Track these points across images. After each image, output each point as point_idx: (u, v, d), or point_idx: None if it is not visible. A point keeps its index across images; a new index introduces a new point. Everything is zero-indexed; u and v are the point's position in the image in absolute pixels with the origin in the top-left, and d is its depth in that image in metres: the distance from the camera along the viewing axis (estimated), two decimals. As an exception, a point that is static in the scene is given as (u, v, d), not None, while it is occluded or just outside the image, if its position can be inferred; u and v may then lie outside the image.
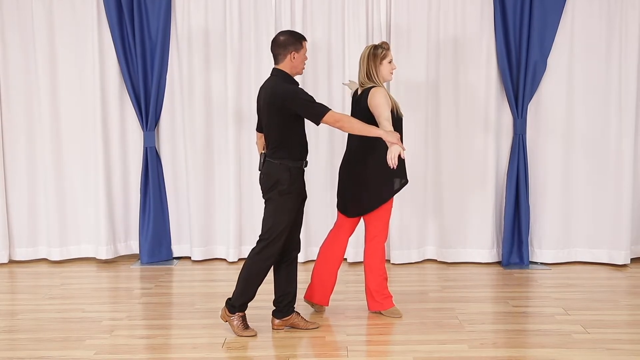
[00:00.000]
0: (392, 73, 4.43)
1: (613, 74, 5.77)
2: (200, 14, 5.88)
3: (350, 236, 4.59)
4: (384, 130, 3.99)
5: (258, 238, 4.14)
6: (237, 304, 4.15)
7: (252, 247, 4.15)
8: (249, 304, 4.20)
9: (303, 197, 4.22)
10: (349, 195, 4.45)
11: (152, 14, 5.85)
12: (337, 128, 3.99)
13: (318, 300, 4.57)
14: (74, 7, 5.91)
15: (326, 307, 4.66)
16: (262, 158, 4.17)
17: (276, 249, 4.09)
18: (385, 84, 4.49)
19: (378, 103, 4.20)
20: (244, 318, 4.19)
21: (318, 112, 3.95)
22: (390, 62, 4.39)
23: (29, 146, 6.07)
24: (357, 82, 4.65)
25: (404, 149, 3.93)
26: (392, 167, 3.90)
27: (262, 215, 4.16)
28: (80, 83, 6.01)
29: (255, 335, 4.17)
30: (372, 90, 4.28)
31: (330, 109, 3.97)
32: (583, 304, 4.81)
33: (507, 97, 5.80)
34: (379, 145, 4.25)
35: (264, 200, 4.17)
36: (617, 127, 5.81)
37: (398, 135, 3.96)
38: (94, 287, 5.37)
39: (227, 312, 4.19)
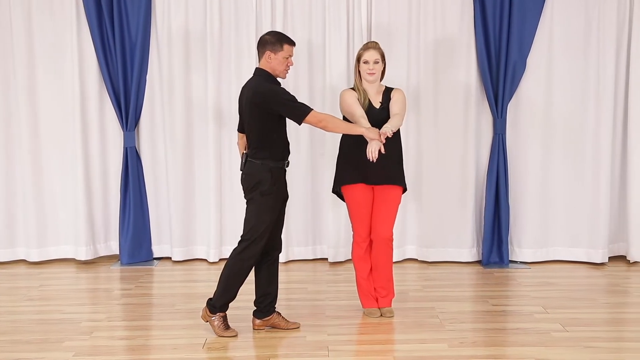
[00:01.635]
0: (369, 74, 4.39)
1: (591, 74, 5.82)
2: (181, 14, 5.86)
3: (369, 238, 4.57)
4: (366, 128, 4.07)
5: (240, 238, 4.13)
6: (218, 304, 4.14)
7: (234, 248, 4.14)
8: (229, 304, 4.19)
9: (284, 197, 4.22)
10: None
11: (131, 14, 5.82)
12: (320, 128, 4.00)
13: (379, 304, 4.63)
14: (52, 6, 5.86)
15: (382, 308, 4.61)
16: (244, 158, 4.15)
17: (258, 249, 4.08)
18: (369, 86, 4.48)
19: (344, 105, 4.35)
20: (224, 318, 4.18)
21: (300, 112, 3.95)
22: (366, 63, 4.38)
23: (7, 146, 6.00)
24: None
25: (383, 142, 4.03)
26: (372, 161, 4.01)
27: (244, 216, 4.15)
28: (59, 83, 5.95)
29: (236, 336, 4.16)
30: (340, 93, 4.45)
31: (313, 109, 3.97)
32: (562, 303, 4.85)
33: (487, 97, 5.84)
34: (343, 141, 4.46)
35: (245, 201, 4.16)
36: (595, 127, 5.86)
37: (378, 131, 4.05)
38: (73, 288, 5.33)
39: (208, 312, 4.18)
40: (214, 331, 4.17)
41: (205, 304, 4.24)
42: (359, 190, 4.42)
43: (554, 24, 5.81)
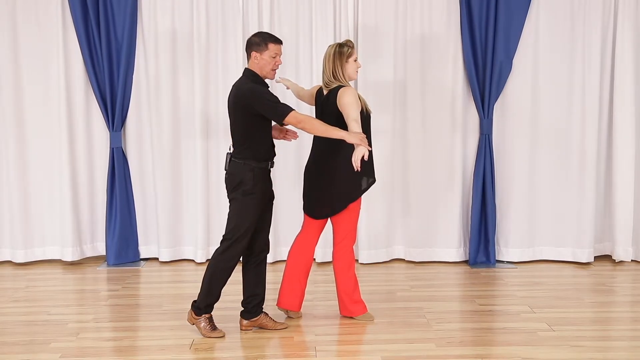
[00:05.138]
0: (357, 72, 4.37)
1: (577, 74, 5.86)
2: (167, 14, 5.84)
3: (318, 239, 4.52)
4: (347, 132, 3.95)
5: (222, 238, 4.13)
6: (203, 305, 4.14)
7: (216, 248, 4.14)
8: (215, 305, 4.18)
9: (269, 197, 4.21)
10: (317, 196, 4.38)
11: (117, 14, 5.79)
12: (300, 129, 3.99)
13: (290, 305, 4.48)
14: (38, 6, 5.83)
15: (299, 312, 4.56)
16: (228, 157, 4.15)
17: (240, 248, 4.08)
18: (351, 84, 4.45)
19: (347, 102, 4.11)
20: (210, 319, 4.17)
21: (281, 112, 3.94)
22: (355, 61, 4.32)
23: (-8, 146, 5.97)
24: (291, 80, 4.61)
25: (369, 149, 3.91)
26: (356, 170, 3.88)
27: (228, 217, 4.14)
28: (45, 82, 5.92)
29: (223, 337, 4.15)
30: (342, 89, 4.18)
31: (294, 110, 3.96)
32: (548, 302, 4.87)
33: (474, 97, 5.86)
34: (346, 145, 4.14)
35: (230, 199, 4.15)
36: (581, 127, 5.90)
37: (362, 136, 3.90)
38: (60, 289, 5.30)
39: (194, 315, 4.17)
40: (201, 333, 4.16)
41: (190, 307, 4.23)
42: None
43: (540, 24, 5.84)
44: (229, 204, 4.14)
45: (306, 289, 5.01)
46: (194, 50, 5.84)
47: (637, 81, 5.90)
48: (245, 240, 4.08)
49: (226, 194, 4.19)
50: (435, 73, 5.89)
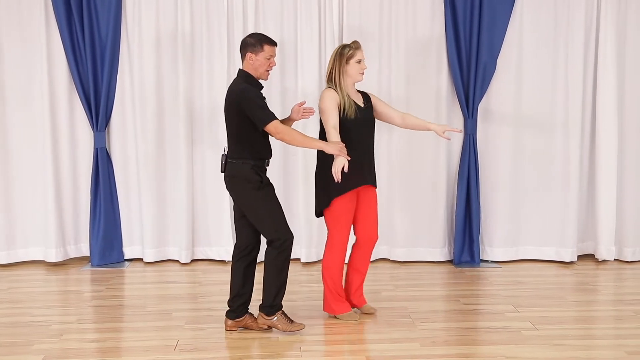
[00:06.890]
0: (362, 73, 4.33)
1: (560, 74, 5.90)
2: (151, 14, 5.81)
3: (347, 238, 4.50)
4: (325, 142, 4.03)
5: (269, 240, 4.09)
6: (275, 303, 4.14)
7: (268, 250, 4.12)
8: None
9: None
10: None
11: (101, 14, 5.76)
12: (278, 139, 4.01)
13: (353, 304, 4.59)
14: (20, 5, 5.78)
15: (361, 306, 4.63)
16: (223, 159, 4.14)
17: (291, 242, 4.11)
18: (356, 85, 4.43)
19: (322, 108, 4.21)
20: (285, 314, 4.19)
21: (263, 118, 3.97)
22: (359, 62, 4.30)
23: (-26, 147, 5.92)
24: None
25: (348, 159, 3.96)
26: (336, 181, 3.93)
27: (257, 222, 4.11)
28: (28, 83, 5.87)
29: (304, 327, 4.20)
30: (322, 92, 4.27)
31: (277, 119, 3.98)
32: (532, 301, 4.90)
33: (458, 97, 5.88)
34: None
35: (242, 204, 4.12)
36: (564, 128, 5.94)
37: (340, 146, 3.96)
38: (43, 290, 5.27)
39: (265, 317, 4.17)
40: (281, 329, 4.16)
41: (259, 312, 4.21)
42: (350, 196, 4.33)
43: (524, 25, 5.88)
44: (248, 210, 4.11)
45: (290, 289, 5.03)
46: (178, 50, 5.82)
47: (620, 82, 5.95)
48: (288, 228, 4.11)
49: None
50: (419, 73, 5.91)
